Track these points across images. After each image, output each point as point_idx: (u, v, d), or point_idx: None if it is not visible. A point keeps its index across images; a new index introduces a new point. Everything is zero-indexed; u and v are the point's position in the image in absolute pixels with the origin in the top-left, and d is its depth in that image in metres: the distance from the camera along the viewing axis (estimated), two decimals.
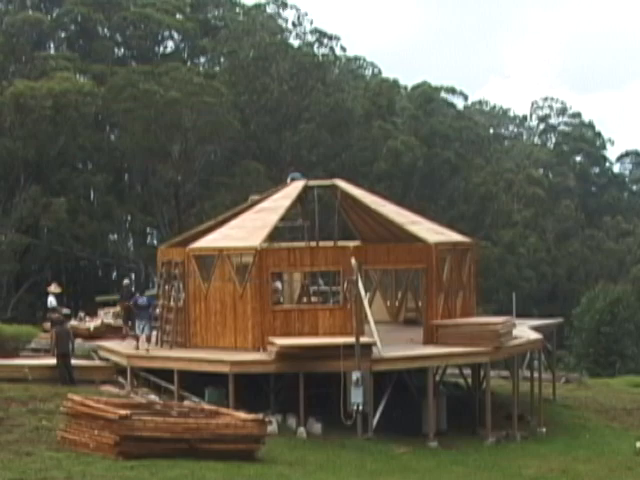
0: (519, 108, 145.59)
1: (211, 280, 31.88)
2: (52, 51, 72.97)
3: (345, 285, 32.16)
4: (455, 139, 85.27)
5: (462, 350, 31.18)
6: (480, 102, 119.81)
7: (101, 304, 41.84)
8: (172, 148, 65.47)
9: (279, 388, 30.32)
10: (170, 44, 77.97)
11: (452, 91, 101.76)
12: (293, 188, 33.55)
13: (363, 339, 29.51)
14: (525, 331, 35.64)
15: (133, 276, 68.17)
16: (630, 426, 37.18)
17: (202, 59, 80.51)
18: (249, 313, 31.05)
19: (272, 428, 27.14)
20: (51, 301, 37.08)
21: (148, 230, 71.77)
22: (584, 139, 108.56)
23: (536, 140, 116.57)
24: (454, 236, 35.03)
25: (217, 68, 78.89)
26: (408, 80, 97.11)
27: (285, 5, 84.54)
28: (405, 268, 35.47)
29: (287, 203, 32.46)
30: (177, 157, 65.55)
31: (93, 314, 38.90)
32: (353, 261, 30.25)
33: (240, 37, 75.58)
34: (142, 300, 33.30)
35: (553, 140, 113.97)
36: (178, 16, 77.31)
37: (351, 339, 29.24)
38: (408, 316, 37.54)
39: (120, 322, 36.70)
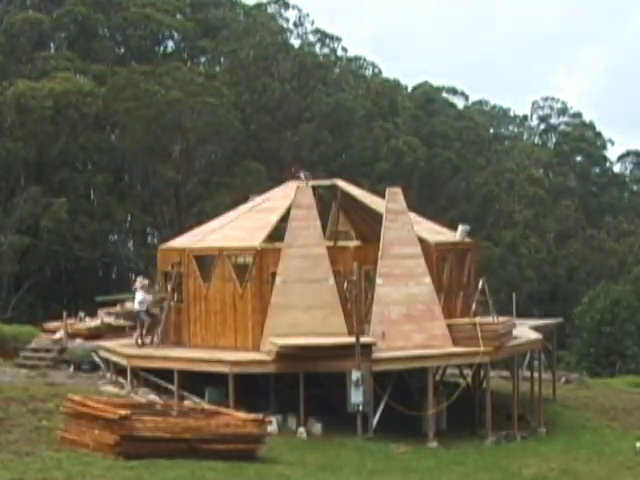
0: (519, 108, 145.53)
1: (211, 280, 31.95)
2: (52, 51, 72.90)
3: (345, 285, 32.25)
4: (456, 139, 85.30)
5: (462, 350, 31.22)
6: (480, 102, 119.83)
7: (101, 304, 41.82)
8: (173, 148, 65.44)
9: (279, 388, 30.34)
10: (170, 44, 77.97)
11: (453, 91, 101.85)
12: (292, 188, 33.49)
13: (363, 339, 29.54)
14: (525, 331, 35.65)
15: (133, 276, 68.13)
16: (630, 426, 37.18)
17: (202, 59, 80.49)
18: (249, 313, 31.09)
19: (272, 428, 27.15)
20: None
21: (148, 230, 71.74)
22: (584, 139, 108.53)
23: (536, 140, 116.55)
24: (454, 236, 35.02)
25: (217, 68, 78.88)
26: (409, 80, 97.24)
27: (286, 5, 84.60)
28: None
29: (287, 203, 32.46)
30: (178, 157, 65.53)
31: (93, 314, 38.91)
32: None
33: (241, 37, 75.60)
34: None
35: (553, 140, 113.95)
36: (178, 16, 77.30)
37: (351, 339, 29.28)
38: None
39: (121, 322, 36.71)
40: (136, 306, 33.12)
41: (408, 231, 31.97)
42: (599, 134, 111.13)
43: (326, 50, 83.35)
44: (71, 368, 34.06)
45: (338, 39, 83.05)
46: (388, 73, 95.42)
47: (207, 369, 29.89)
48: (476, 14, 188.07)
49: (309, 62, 75.51)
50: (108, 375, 33.01)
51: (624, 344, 62.75)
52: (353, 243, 36.95)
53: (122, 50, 76.38)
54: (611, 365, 60.33)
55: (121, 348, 32.69)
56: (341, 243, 36.45)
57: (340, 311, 30.58)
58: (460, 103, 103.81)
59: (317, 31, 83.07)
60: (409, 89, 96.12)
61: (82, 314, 39.09)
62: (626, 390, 45.33)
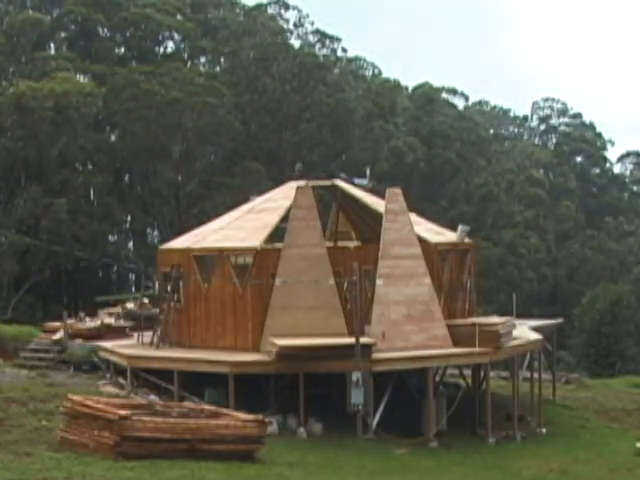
0: (520, 109, 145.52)
1: (211, 280, 31.96)
2: (52, 51, 72.90)
3: (345, 286, 32.25)
4: (456, 139, 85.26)
5: (462, 350, 31.22)
6: (480, 102, 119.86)
7: (101, 304, 41.88)
8: (173, 148, 65.42)
9: (279, 388, 30.33)
10: (170, 44, 77.99)
11: (453, 92, 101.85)
12: (292, 188, 33.49)
13: (363, 339, 29.54)
14: (525, 331, 35.67)
15: (133, 277, 68.19)
16: (630, 427, 37.20)
17: (202, 59, 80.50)
18: (249, 313, 31.08)
19: (272, 428, 27.14)
20: None
21: (148, 230, 71.75)
22: (585, 140, 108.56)
23: (537, 141, 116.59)
24: (454, 237, 35.03)
25: (217, 68, 78.89)
26: (409, 81, 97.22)
27: (286, 6, 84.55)
28: None
29: (287, 203, 32.46)
30: (178, 157, 65.50)
31: (93, 314, 38.95)
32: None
33: (241, 37, 75.58)
34: None
35: (554, 141, 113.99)
36: (178, 17, 77.28)
37: (351, 339, 29.28)
38: None
39: (121, 323, 36.75)
40: None
41: (408, 231, 31.98)
42: (599, 135, 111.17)
43: (326, 51, 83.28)
44: (71, 368, 34.07)
45: (338, 39, 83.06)
46: (388, 73, 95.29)
47: (207, 370, 29.89)
48: (476, 14, 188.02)
49: (309, 62, 75.44)
50: (108, 375, 33.02)
51: (624, 344, 62.77)
52: (353, 243, 36.96)
53: (122, 50, 76.38)
54: (611, 366, 60.32)
55: (121, 349, 32.70)
56: (341, 243, 36.46)
57: (340, 311, 30.60)
58: (460, 103, 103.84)
59: (317, 32, 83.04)
60: (409, 89, 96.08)
61: (82, 314, 39.14)
62: (626, 391, 45.32)
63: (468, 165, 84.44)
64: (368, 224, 35.87)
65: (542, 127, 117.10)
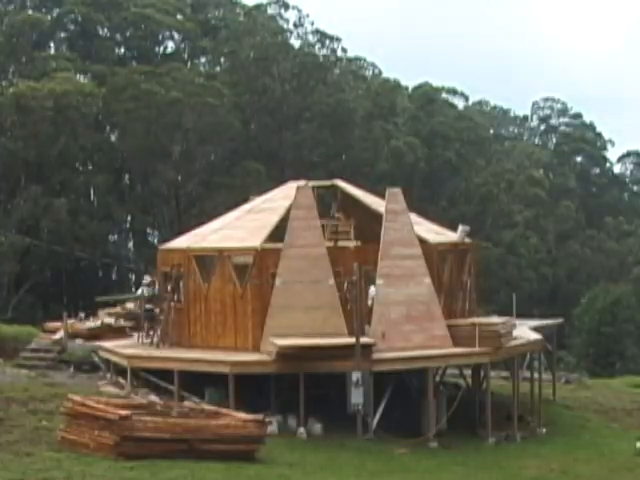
0: (520, 109, 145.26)
1: (211, 280, 31.96)
2: (52, 51, 72.91)
3: (345, 286, 32.24)
4: (456, 140, 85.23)
5: (462, 350, 31.23)
6: (480, 102, 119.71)
7: (101, 304, 41.83)
8: (173, 148, 65.49)
9: (279, 388, 30.34)
10: (170, 44, 78.03)
11: (453, 92, 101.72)
12: (292, 188, 33.48)
13: (363, 339, 29.54)
14: (525, 332, 35.66)
15: (133, 277, 68.17)
16: (630, 427, 37.20)
17: (202, 59, 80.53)
18: (249, 313, 31.09)
19: (272, 428, 27.17)
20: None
21: (148, 230, 71.75)
22: (585, 140, 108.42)
23: (537, 141, 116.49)
24: (455, 237, 35.02)
25: (217, 68, 78.92)
26: (409, 81, 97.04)
27: (286, 6, 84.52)
28: None
29: (287, 203, 32.46)
30: (178, 157, 65.55)
31: (93, 314, 38.93)
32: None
33: (241, 37, 75.60)
34: None
35: (554, 141, 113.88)
36: (178, 17, 77.29)
37: (351, 339, 29.28)
38: None
39: (121, 322, 36.74)
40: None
41: (408, 232, 31.98)
42: (599, 135, 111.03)
43: (326, 51, 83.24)
44: (71, 368, 34.07)
45: (338, 39, 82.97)
46: (388, 73, 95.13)
47: (207, 369, 29.90)
48: (476, 14, 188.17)
49: (309, 62, 75.50)
50: (108, 375, 33.02)
51: (623, 344, 62.81)
52: (353, 243, 36.92)
53: (122, 50, 76.40)
54: (610, 365, 60.38)
55: (121, 349, 32.70)
56: (341, 243, 36.44)
57: (340, 312, 30.60)
58: (460, 104, 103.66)
59: (317, 32, 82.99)
60: (409, 89, 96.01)
61: (82, 314, 39.12)
62: (625, 390, 45.33)
63: (468, 165, 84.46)
64: (368, 224, 35.81)
65: (542, 127, 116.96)
